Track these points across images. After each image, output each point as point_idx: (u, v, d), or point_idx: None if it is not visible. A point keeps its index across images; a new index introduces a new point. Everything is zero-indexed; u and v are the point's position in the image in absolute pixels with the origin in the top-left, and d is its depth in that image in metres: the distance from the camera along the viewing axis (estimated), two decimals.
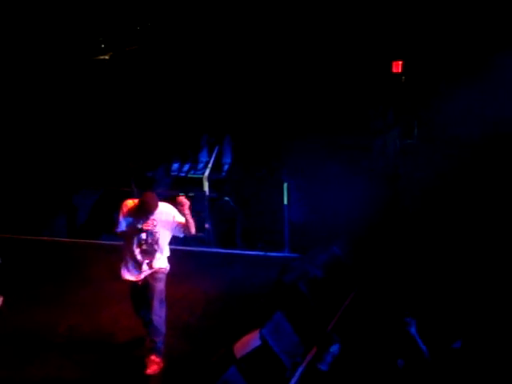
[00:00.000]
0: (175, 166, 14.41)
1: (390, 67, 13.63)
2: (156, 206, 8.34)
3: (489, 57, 12.75)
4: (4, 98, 14.32)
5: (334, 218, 12.73)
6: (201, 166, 14.21)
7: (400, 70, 13.62)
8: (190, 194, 13.99)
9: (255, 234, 13.48)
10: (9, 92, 14.36)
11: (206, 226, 13.41)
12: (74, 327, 9.77)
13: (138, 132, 14.24)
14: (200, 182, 13.74)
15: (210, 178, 13.70)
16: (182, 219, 8.50)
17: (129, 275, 8.68)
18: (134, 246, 8.55)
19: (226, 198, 13.82)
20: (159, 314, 8.59)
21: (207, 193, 13.62)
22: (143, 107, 14.24)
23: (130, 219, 8.49)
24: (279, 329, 8.94)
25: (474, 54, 12.81)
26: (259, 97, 13.77)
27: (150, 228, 8.44)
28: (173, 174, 14.38)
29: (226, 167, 14.20)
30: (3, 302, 9.18)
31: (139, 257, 8.56)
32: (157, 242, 8.51)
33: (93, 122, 14.44)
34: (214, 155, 14.02)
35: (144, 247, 8.51)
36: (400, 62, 13.54)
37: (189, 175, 14.25)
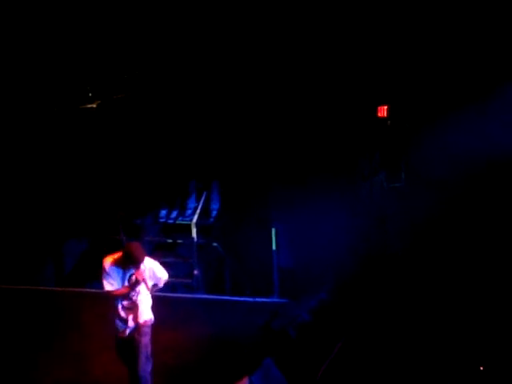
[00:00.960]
0: (163, 212, 14.44)
1: (376, 112, 13.73)
2: (143, 256, 8.29)
3: (475, 99, 12.86)
4: None
5: (323, 263, 12.72)
6: (189, 212, 14.24)
7: (385, 115, 13.72)
8: (179, 241, 14.04)
9: (244, 279, 13.46)
10: None
11: (195, 272, 13.40)
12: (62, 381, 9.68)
13: (126, 179, 14.25)
14: (188, 228, 13.75)
15: (198, 224, 13.70)
16: (162, 274, 8.61)
17: (116, 330, 8.61)
18: (117, 303, 8.47)
19: (215, 244, 13.82)
20: (145, 368, 8.51)
21: (195, 239, 13.62)
22: (131, 154, 14.27)
23: (116, 275, 8.38)
24: (269, 375, 8.90)
25: (459, 96, 12.93)
26: (246, 143, 13.83)
27: (131, 281, 8.36)
28: (161, 220, 14.40)
29: (214, 213, 14.23)
30: None
31: (123, 313, 8.49)
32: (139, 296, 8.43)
33: (81, 171, 14.44)
34: (201, 201, 14.05)
35: (125, 303, 8.43)
36: (385, 107, 13.64)
37: (177, 221, 14.27)
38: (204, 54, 13.79)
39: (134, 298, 8.44)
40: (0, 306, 12.14)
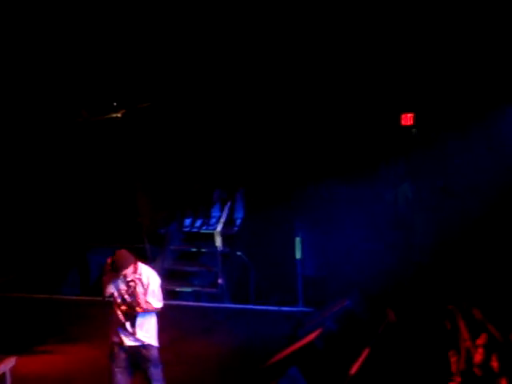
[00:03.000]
0: (187, 221, 14.48)
1: (400, 120, 13.68)
2: (126, 263, 8.08)
3: (496, 107, 12.79)
4: (20, 159, 14.44)
5: (347, 272, 12.68)
6: (213, 221, 14.25)
7: (410, 123, 13.67)
8: (203, 250, 14.04)
9: (268, 288, 13.43)
10: (25, 152, 14.49)
11: (219, 281, 13.38)
12: None
13: (151, 188, 14.29)
14: (212, 237, 13.74)
15: (222, 233, 13.68)
16: (156, 288, 8.30)
17: (114, 336, 8.38)
18: (116, 306, 8.32)
19: (239, 253, 13.79)
20: None
21: (220, 248, 13.60)
22: (155, 163, 14.32)
23: (111, 281, 8.30)
24: None
25: (482, 105, 12.85)
26: (272, 151, 13.83)
27: (126, 288, 8.21)
28: (185, 229, 14.42)
29: (239, 222, 14.23)
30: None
31: (121, 317, 8.29)
32: (138, 305, 8.19)
33: (107, 179, 14.51)
34: (226, 210, 14.05)
35: (123, 308, 8.25)
36: (410, 115, 13.59)
37: (201, 230, 14.30)
38: (229, 63, 13.82)
39: (128, 300, 8.21)
40: (25, 315, 12.21)
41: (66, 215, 14.57)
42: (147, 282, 8.21)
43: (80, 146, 14.53)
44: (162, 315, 12.38)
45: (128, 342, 8.29)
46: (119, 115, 14.27)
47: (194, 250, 14.16)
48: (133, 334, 8.28)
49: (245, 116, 13.89)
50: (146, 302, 8.18)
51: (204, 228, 14.30)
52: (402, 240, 13.45)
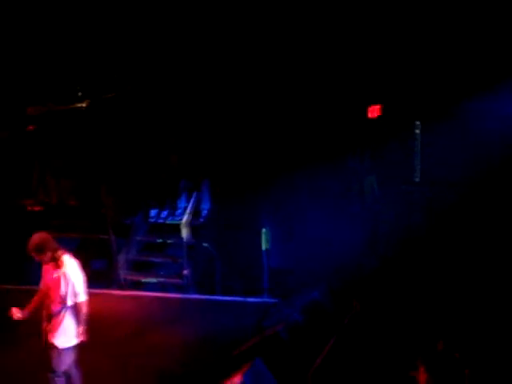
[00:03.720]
0: (153, 212, 14.39)
1: (367, 112, 13.72)
2: (33, 246, 7.68)
3: (464, 101, 12.85)
4: None
5: (313, 263, 12.70)
6: (179, 212, 14.19)
7: (376, 115, 13.70)
8: (169, 241, 13.99)
9: (234, 279, 13.42)
10: None
11: (185, 272, 13.35)
12: None
13: (116, 179, 14.19)
14: (178, 228, 13.69)
15: (188, 224, 13.64)
16: (79, 284, 7.81)
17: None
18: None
19: (205, 244, 13.76)
20: None
21: (185, 239, 13.55)
22: (121, 154, 14.21)
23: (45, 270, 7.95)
24: (259, 376, 8.83)
25: (450, 98, 12.92)
26: (237, 141, 13.80)
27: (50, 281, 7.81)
28: (151, 220, 14.34)
29: (205, 213, 14.19)
30: None
31: (45, 311, 7.92)
32: (56, 300, 7.75)
33: (72, 169, 14.40)
34: (192, 201, 14.00)
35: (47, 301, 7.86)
36: (377, 107, 13.63)
37: (167, 221, 14.22)
38: (194, 51, 13.75)
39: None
40: None
41: (30, 205, 14.45)
42: (69, 277, 7.76)
43: (45, 135, 14.40)
44: (128, 305, 12.43)
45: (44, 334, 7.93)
46: (84, 105, 14.15)
47: (160, 240, 14.10)
48: (45, 326, 7.93)
49: (212, 105, 13.83)
50: (65, 297, 7.73)
51: (170, 219, 14.22)
52: (368, 233, 13.51)
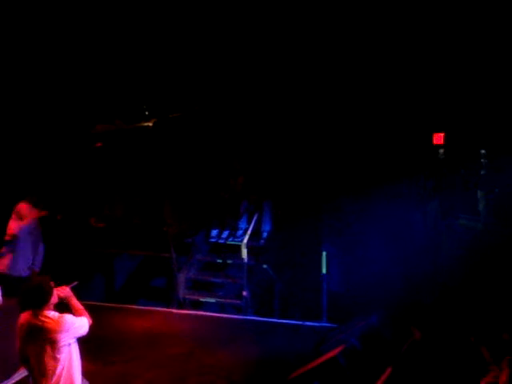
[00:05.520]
0: (214, 232, 14.49)
1: (431, 139, 13.62)
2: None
3: None
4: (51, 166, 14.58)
5: (373, 289, 12.61)
6: (240, 232, 14.26)
7: (441, 142, 13.59)
8: (229, 261, 14.05)
9: (293, 302, 13.40)
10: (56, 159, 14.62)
11: (244, 293, 13.36)
12: None
13: (179, 197, 14.33)
14: (239, 248, 13.70)
15: (248, 245, 13.66)
16: None
17: None
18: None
19: (265, 266, 13.77)
20: None
21: (246, 260, 13.57)
22: (185, 174, 14.36)
23: None
24: None
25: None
26: (301, 163, 13.83)
27: None
28: (212, 240, 14.43)
29: (265, 235, 14.22)
30: None
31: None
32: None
33: (136, 188, 14.59)
34: (253, 222, 14.02)
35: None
36: (441, 134, 13.52)
37: (228, 242, 14.29)
38: (259, 72, 13.85)
39: None
40: None
41: (95, 222, 14.66)
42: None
43: (111, 153, 14.63)
44: (186, 324, 12.49)
45: None
46: (150, 124, 14.35)
47: (220, 261, 14.16)
48: None
49: (277, 128, 13.90)
50: None
51: (230, 239, 14.29)
52: (429, 258, 13.36)
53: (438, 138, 13.58)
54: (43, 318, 6.90)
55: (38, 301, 6.98)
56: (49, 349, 6.86)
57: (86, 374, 9.45)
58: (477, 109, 12.95)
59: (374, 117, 13.50)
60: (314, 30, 13.38)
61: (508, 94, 12.70)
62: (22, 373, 9.33)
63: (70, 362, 6.98)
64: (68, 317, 7.00)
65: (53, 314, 7.00)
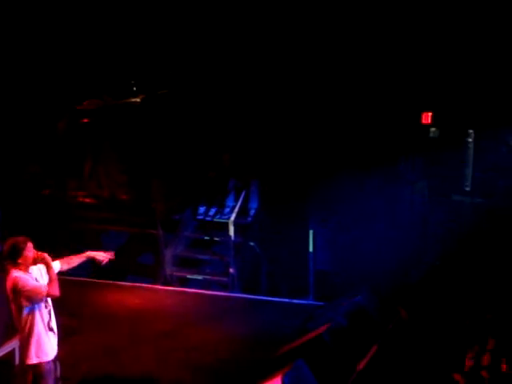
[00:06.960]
0: (202, 209, 14.46)
1: (420, 118, 13.60)
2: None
3: None
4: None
5: (360, 267, 12.64)
6: (227, 210, 14.24)
7: (430, 122, 13.57)
8: (216, 238, 14.05)
9: (280, 280, 13.42)
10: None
11: (231, 270, 13.39)
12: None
13: (167, 174, 14.30)
14: (226, 226, 13.73)
15: (235, 223, 13.67)
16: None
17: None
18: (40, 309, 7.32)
19: (252, 243, 13.79)
20: None
21: (232, 237, 13.59)
22: (173, 150, 14.31)
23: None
24: (300, 377, 8.83)
25: (504, 106, 12.74)
26: (288, 141, 13.78)
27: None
28: (199, 217, 14.41)
29: (252, 212, 14.21)
30: None
31: (52, 322, 7.43)
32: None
33: (122, 164, 14.55)
34: (240, 200, 14.02)
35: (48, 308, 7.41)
36: (429, 114, 13.50)
37: (215, 219, 14.27)
38: (248, 51, 13.79)
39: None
40: None
41: (81, 197, 14.66)
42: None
43: (99, 129, 14.58)
44: (172, 301, 12.52)
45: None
46: (138, 100, 14.29)
47: (207, 238, 14.16)
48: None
49: (264, 105, 13.85)
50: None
51: (218, 217, 14.28)
52: (416, 237, 13.39)
53: (426, 118, 13.56)
54: (7, 275, 7.11)
55: (9, 257, 7.11)
56: (12, 304, 7.11)
57: (71, 344, 9.59)
58: (466, 89, 12.93)
59: (363, 95, 13.46)
60: (301, 13, 13.32)
61: (497, 74, 12.68)
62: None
63: (35, 325, 7.10)
64: (21, 278, 7.05)
65: (16, 273, 7.07)
